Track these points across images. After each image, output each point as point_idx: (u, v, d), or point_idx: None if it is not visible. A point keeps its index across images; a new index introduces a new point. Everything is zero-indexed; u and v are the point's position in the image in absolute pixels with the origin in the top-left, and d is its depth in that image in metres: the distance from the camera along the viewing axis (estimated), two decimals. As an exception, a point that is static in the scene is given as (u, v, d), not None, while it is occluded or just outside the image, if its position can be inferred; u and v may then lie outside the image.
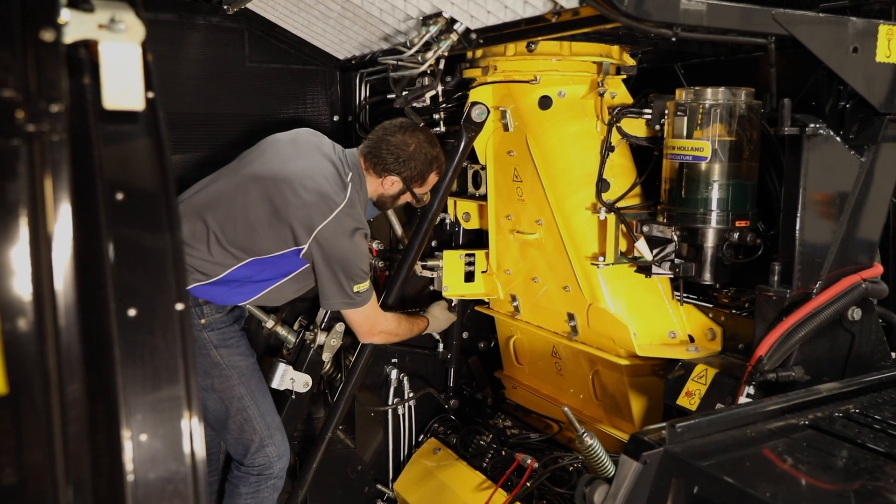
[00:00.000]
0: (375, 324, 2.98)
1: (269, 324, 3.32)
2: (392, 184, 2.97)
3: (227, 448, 3.04)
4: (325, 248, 2.71)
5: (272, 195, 2.72)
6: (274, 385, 3.21)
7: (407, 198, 3.07)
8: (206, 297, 2.79)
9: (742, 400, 2.26)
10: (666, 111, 2.57)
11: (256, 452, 2.88)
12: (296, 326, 3.37)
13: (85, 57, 1.11)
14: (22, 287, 1.03)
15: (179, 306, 1.12)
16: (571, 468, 2.83)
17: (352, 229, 2.75)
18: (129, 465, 1.06)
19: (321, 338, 3.26)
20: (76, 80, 1.09)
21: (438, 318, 3.38)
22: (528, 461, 2.88)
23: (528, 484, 2.80)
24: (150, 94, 1.16)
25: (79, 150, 1.07)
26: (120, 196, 1.12)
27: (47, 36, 1.04)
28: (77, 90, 1.09)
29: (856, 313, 2.38)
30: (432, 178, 3.04)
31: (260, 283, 2.82)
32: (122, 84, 1.12)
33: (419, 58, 2.64)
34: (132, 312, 1.10)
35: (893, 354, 2.59)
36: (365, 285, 2.85)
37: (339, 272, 2.76)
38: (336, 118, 3.55)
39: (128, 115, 1.14)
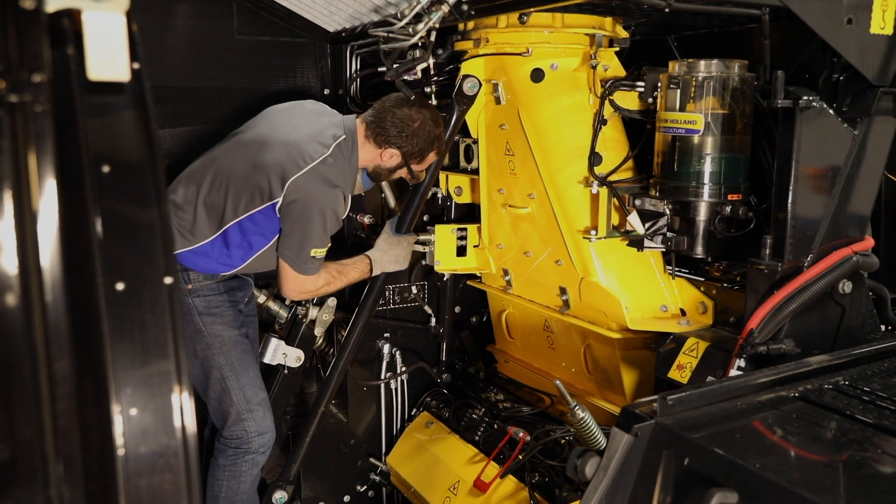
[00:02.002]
0: (305, 287, 2.94)
1: (261, 298, 3.32)
2: (391, 157, 2.94)
3: (210, 416, 3.05)
4: (295, 200, 2.70)
5: (253, 155, 2.75)
6: (266, 360, 3.21)
7: (402, 173, 3.04)
8: (191, 265, 2.79)
9: (733, 373, 2.28)
10: (659, 84, 2.55)
11: (234, 425, 2.88)
12: (288, 301, 3.36)
13: (68, 27, 1.08)
14: (7, 263, 1.02)
15: (168, 280, 1.11)
16: (563, 441, 2.84)
17: (326, 182, 2.73)
18: (119, 439, 1.05)
19: (313, 313, 3.25)
20: (59, 51, 1.07)
21: (385, 252, 3.13)
22: (520, 434, 2.90)
23: (520, 457, 2.82)
24: (136, 65, 1.14)
25: (63, 121, 1.05)
26: (106, 169, 1.10)
27: (28, 4, 1.02)
28: (60, 60, 1.07)
29: (846, 286, 2.39)
30: (431, 157, 3.01)
31: (240, 252, 2.81)
32: (107, 54, 1.10)
33: (410, 30, 2.61)
34: (120, 287, 1.09)
35: (883, 327, 2.61)
36: (321, 252, 2.82)
37: (306, 230, 2.75)
38: (326, 91, 3.51)
39: (113, 87, 1.12)
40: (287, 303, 3.35)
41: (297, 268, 2.83)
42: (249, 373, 2.94)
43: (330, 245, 2.88)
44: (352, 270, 3.08)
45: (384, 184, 3.29)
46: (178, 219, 2.76)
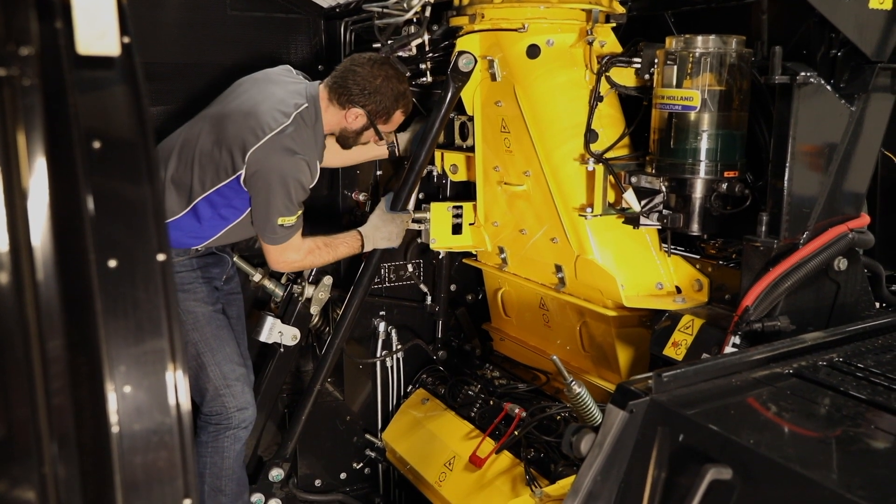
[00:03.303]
0: (285, 256, 2.91)
1: (257, 277, 3.31)
2: (356, 117, 2.90)
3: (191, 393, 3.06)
4: (257, 172, 2.68)
5: (216, 129, 2.74)
6: (262, 338, 3.21)
7: (370, 135, 2.99)
8: None
9: (728, 350, 2.28)
10: (655, 60, 2.53)
11: (212, 401, 2.88)
12: (283, 280, 3.36)
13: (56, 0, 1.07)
14: (-2, 240, 1.01)
15: (161, 257, 1.10)
16: (559, 417, 2.86)
17: (286, 150, 2.69)
18: (113, 417, 1.05)
19: (309, 291, 3.25)
20: (47, 24, 1.05)
21: (378, 228, 3.09)
22: (516, 410, 2.91)
23: (516, 433, 2.84)
24: (126, 39, 1.12)
25: (52, 96, 1.04)
26: (97, 145, 1.09)
27: (14, -24, 1.00)
28: (49, 34, 1.05)
29: (842, 263, 2.39)
30: (398, 117, 2.97)
31: (214, 223, 2.80)
32: (97, 28, 1.08)
33: (405, 5, 2.58)
34: (113, 264, 1.08)
35: (878, 304, 2.62)
36: (291, 219, 2.77)
37: (268, 199, 2.71)
38: (320, 68, 3.47)
39: (103, 61, 1.10)
40: (283, 281, 3.35)
41: (267, 238, 2.81)
42: (226, 349, 2.92)
43: (300, 213, 2.82)
44: (341, 245, 3.04)
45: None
46: None
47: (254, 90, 2.85)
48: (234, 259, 3.28)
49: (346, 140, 3.00)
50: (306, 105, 2.81)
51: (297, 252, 2.91)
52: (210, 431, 2.92)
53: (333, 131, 2.96)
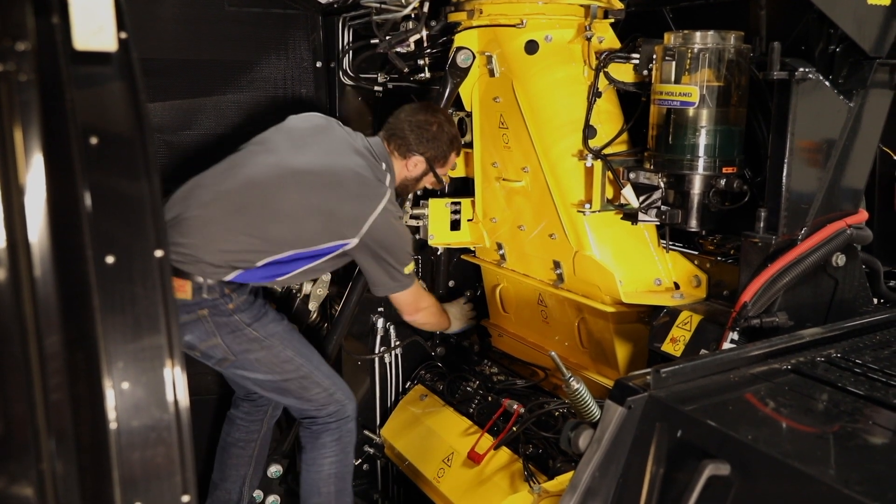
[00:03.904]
0: (420, 300, 2.98)
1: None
2: (416, 165, 2.89)
3: (294, 412, 3.00)
4: (374, 241, 2.67)
5: (316, 190, 2.63)
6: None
7: (429, 179, 2.99)
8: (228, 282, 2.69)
9: (726, 346, 2.29)
10: (654, 56, 2.53)
11: (327, 403, 2.85)
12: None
13: (53, -5, 1.06)
14: (-5, 236, 1.01)
15: (159, 253, 1.10)
16: (557, 413, 2.86)
17: (397, 217, 2.74)
18: (111, 413, 1.05)
19: (307, 287, 3.25)
20: (44, 20, 1.04)
21: (458, 318, 3.39)
22: (515, 406, 2.91)
23: (515, 428, 2.84)
24: (123, 35, 1.12)
25: (49, 92, 1.03)
26: (94, 141, 1.09)
27: (11, -29, 1.00)
28: (45, 30, 1.05)
29: (840, 259, 2.39)
30: (453, 158, 2.99)
31: (289, 266, 2.72)
32: (93, 24, 1.07)
33: (403, 1, 2.57)
34: (110, 260, 1.07)
35: (875, 300, 2.62)
36: (411, 266, 2.84)
37: (390, 260, 2.74)
38: (318, 64, 3.46)
39: (100, 57, 1.10)
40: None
41: (401, 287, 2.83)
42: (315, 352, 2.91)
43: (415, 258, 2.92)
44: (444, 317, 3.23)
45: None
46: (225, 252, 2.59)
47: (335, 149, 2.74)
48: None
49: (407, 188, 2.98)
50: (385, 164, 2.81)
51: (426, 299, 3.02)
52: (332, 430, 2.90)
53: (396, 181, 2.94)
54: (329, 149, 2.74)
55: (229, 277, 2.60)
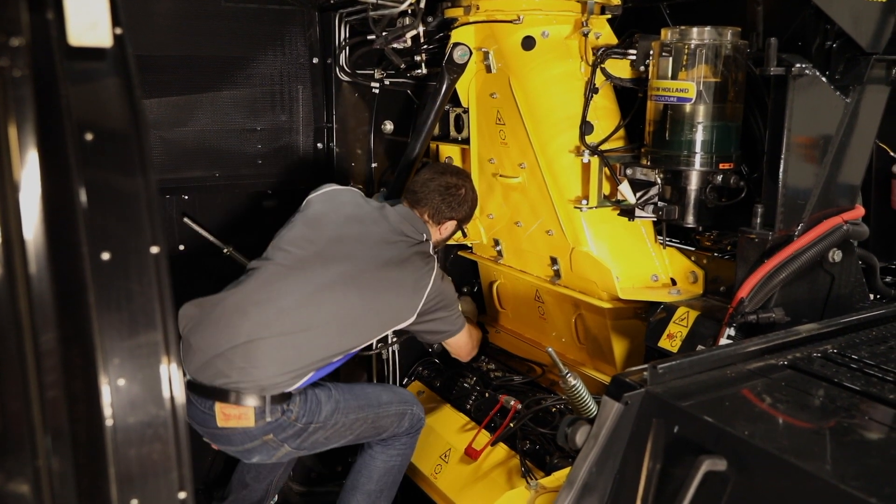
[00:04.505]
0: (471, 334, 3.00)
1: (251, 270, 3.30)
2: (447, 228, 2.91)
3: (371, 442, 2.89)
4: (429, 309, 2.70)
5: (375, 290, 2.60)
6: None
7: (454, 235, 3.04)
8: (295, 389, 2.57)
9: (723, 341, 2.29)
10: (651, 52, 2.53)
11: (402, 421, 2.82)
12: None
13: (47, -10, 1.06)
14: (-11, 233, 1.00)
15: (154, 249, 1.09)
16: (554, 409, 2.86)
17: (441, 277, 2.75)
18: (107, 410, 1.04)
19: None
20: (38, 14, 1.04)
21: (474, 314, 3.45)
22: (512, 402, 2.91)
23: (512, 424, 2.84)
24: (118, 31, 1.11)
25: (44, 88, 1.03)
26: (89, 137, 1.08)
27: (4, -34, 0.99)
28: (39, 25, 1.04)
29: (836, 255, 2.39)
30: (475, 213, 3.03)
31: (342, 359, 2.69)
32: (88, 19, 1.07)
33: (399, -4, 2.57)
34: (106, 256, 1.07)
35: (871, 296, 2.62)
36: (458, 305, 2.88)
37: (442, 314, 2.77)
38: (315, 60, 3.46)
39: (95, 53, 1.09)
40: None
41: (457, 329, 2.86)
42: (364, 389, 2.80)
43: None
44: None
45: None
46: (281, 361, 2.47)
47: (378, 240, 2.68)
48: (229, 252, 3.28)
49: (436, 247, 2.96)
50: (425, 235, 2.79)
51: (474, 331, 3.04)
52: (407, 435, 2.87)
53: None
54: (373, 240, 2.67)
55: (291, 388, 2.49)
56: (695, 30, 2.38)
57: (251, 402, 2.42)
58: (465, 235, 3.18)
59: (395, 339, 3.51)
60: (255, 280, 2.57)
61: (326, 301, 2.55)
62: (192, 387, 2.48)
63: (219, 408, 2.41)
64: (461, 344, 2.97)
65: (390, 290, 2.63)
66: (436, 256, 2.77)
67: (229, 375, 2.41)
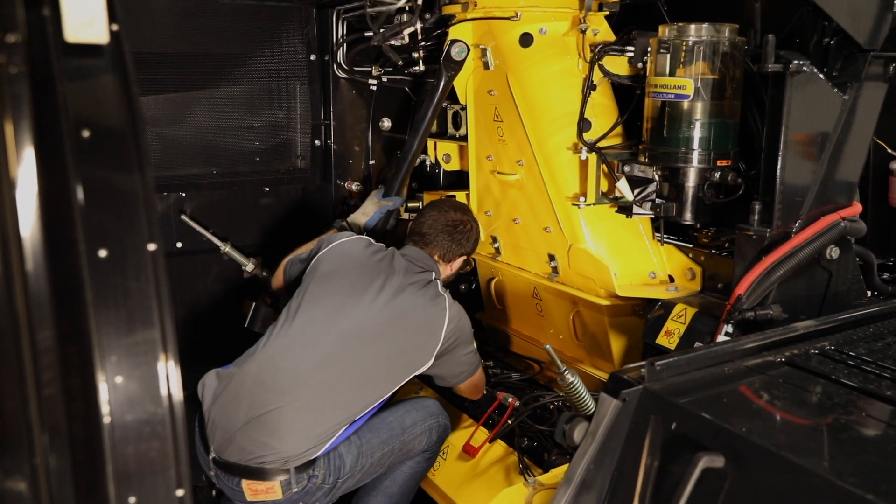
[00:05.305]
0: (483, 377, 2.92)
1: (249, 267, 3.30)
2: (458, 263, 2.89)
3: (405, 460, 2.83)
4: (447, 349, 2.64)
5: (391, 340, 2.56)
6: (256, 329, 3.21)
7: (463, 267, 3.01)
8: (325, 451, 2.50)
9: (720, 338, 2.29)
10: (648, 49, 2.53)
11: (430, 437, 2.78)
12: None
13: (43, -14, 1.05)
14: (-14, 230, 1.00)
15: (152, 247, 1.09)
16: (552, 406, 2.86)
17: (456, 312, 2.67)
18: (104, 407, 1.04)
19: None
20: (34, 11, 1.03)
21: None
22: (510, 400, 2.91)
23: (510, 422, 2.84)
24: (115, 27, 1.11)
25: (40, 85, 1.03)
26: (86, 134, 1.08)
27: (0, -38, 0.99)
28: (36, 22, 1.04)
29: (834, 252, 2.39)
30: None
31: (365, 416, 2.62)
32: (85, 16, 1.07)
33: (397, -7, 2.57)
34: (103, 254, 1.07)
35: (869, 293, 2.62)
36: (474, 344, 2.81)
37: (464, 347, 2.72)
38: (313, 57, 3.46)
39: (91, 49, 1.09)
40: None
41: (474, 369, 2.80)
42: (386, 421, 2.71)
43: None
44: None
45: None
46: (301, 429, 2.41)
47: (392, 288, 2.62)
48: (227, 249, 3.28)
49: (446, 281, 2.93)
50: (434, 273, 2.75)
51: (482, 367, 2.92)
52: (437, 443, 2.83)
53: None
54: (383, 290, 2.61)
55: (315, 455, 2.43)
56: (692, 26, 2.38)
57: (276, 476, 2.38)
58: (470, 266, 3.13)
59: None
60: (269, 348, 2.52)
61: (339, 360, 2.49)
62: (218, 464, 2.44)
63: (245, 484, 2.39)
64: (476, 381, 2.88)
65: (403, 338, 2.58)
66: (447, 294, 2.68)
67: (252, 451, 2.37)
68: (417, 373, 2.63)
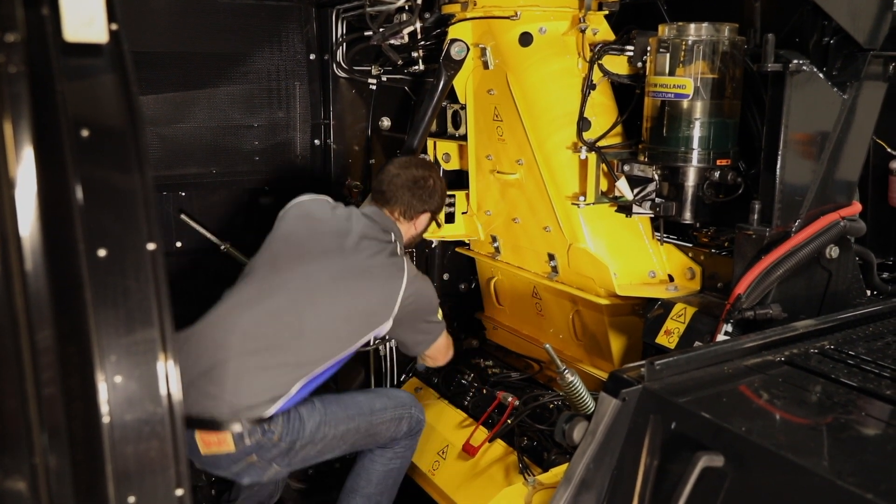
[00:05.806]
0: (449, 340, 2.91)
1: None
2: (421, 221, 2.85)
3: (375, 449, 2.85)
4: (407, 312, 2.63)
5: (339, 296, 2.57)
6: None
7: (429, 226, 2.97)
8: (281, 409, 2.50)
9: (720, 338, 2.29)
10: (648, 48, 2.53)
11: (400, 426, 2.78)
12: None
13: (43, -15, 1.05)
14: (-15, 230, 1.00)
15: (151, 246, 1.09)
16: (552, 405, 2.87)
17: (419, 277, 2.69)
18: (104, 407, 1.04)
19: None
20: (34, 11, 1.03)
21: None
22: (509, 399, 2.91)
23: (509, 421, 2.84)
24: (114, 27, 1.11)
25: (40, 84, 1.03)
26: (85, 133, 1.08)
27: (0, -38, 0.99)
28: (35, 21, 1.04)
29: (833, 251, 2.39)
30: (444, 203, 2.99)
31: (323, 376, 2.61)
32: (84, 15, 1.07)
33: (396, -8, 2.56)
34: (102, 253, 1.07)
35: (869, 292, 2.62)
36: (440, 312, 2.81)
37: (421, 319, 2.72)
38: (312, 56, 3.45)
39: (91, 49, 1.09)
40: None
41: (438, 334, 2.80)
42: (355, 399, 2.73)
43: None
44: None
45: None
46: (249, 382, 2.43)
47: (341, 246, 2.64)
48: (226, 248, 3.27)
49: (413, 241, 2.94)
50: (393, 233, 2.74)
51: (448, 336, 2.91)
52: (406, 437, 2.82)
53: (405, 241, 2.88)
54: (340, 250, 2.63)
55: (269, 412, 2.43)
56: (692, 26, 2.38)
57: (228, 426, 2.39)
58: (439, 226, 3.11)
59: (391, 338, 3.51)
60: (223, 306, 2.57)
61: (289, 315, 2.51)
62: None
63: (199, 436, 2.40)
64: (439, 348, 2.86)
65: (358, 296, 2.58)
66: (406, 256, 2.69)
67: (203, 404, 2.39)
68: (376, 333, 2.63)
